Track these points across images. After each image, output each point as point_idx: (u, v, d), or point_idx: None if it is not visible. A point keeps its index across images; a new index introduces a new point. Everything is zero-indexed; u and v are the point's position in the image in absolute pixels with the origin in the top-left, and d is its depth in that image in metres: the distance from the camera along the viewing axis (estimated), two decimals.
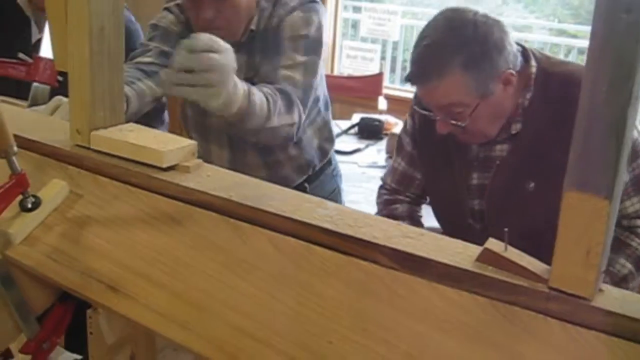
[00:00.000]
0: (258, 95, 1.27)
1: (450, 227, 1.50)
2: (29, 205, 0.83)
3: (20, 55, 1.62)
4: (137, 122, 0.99)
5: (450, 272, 0.65)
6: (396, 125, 2.87)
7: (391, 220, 0.77)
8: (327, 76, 1.82)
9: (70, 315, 0.91)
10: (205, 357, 0.67)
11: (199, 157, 0.91)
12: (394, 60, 4.76)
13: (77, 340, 1.05)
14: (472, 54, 1.25)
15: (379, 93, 3.87)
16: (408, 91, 3.87)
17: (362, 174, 2.46)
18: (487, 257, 0.66)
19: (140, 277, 0.75)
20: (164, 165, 0.86)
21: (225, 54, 1.11)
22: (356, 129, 2.94)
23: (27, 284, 0.84)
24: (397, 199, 1.59)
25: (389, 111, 3.56)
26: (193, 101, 1.14)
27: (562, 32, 5.03)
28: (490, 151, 1.38)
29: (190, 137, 1.64)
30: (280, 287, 0.70)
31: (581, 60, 4.14)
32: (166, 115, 2.12)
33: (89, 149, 0.92)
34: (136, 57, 1.50)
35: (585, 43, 4.24)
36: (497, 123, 1.34)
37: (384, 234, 0.71)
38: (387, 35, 4.30)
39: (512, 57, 1.29)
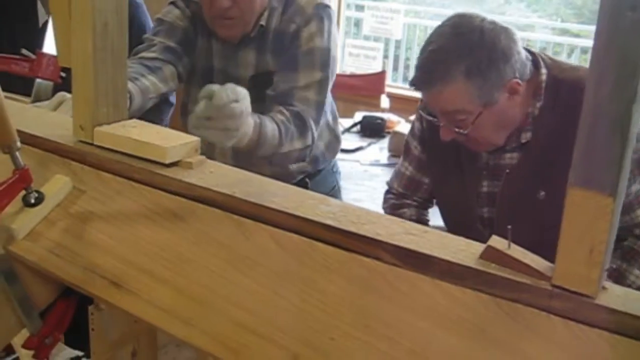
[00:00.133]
0: (270, 126, 1.32)
1: (458, 231, 1.48)
2: (32, 201, 0.83)
3: (24, 51, 1.62)
4: (140, 118, 1.00)
5: (453, 269, 0.65)
6: (399, 123, 2.86)
7: (394, 217, 0.77)
8: None
9: (72, 310, 0.91)
10: (208, 352, 0.67)
11: (202, 154, 0.91)
12: (396, 58, 4.75)
13: (77, 337, 1.05)
14: (476, 61, 1.22)
15: (381, 91, 3.87)
16: (410, 90, 3.86)
17: (364, 172, 2.45)
18: (491, 255, 0.66)
19: (143, 273, 0.75)
20: (167, 162, 0.86)
21: (243, 101, 1.14)
22: (359, 127, 2.93)
23: (30, 279, 0.84)
24: (404, 203, 1.57)
25: (392, 109, 3.56)
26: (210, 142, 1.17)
27: (564, 32, 5.01)
28: (500, 159, 1.35)
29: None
30: (283, 284, 0.70)
31: (584, 60, 4.14)
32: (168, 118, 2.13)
33: (92, 144, 0.92)
34: (140, 51, 1.50)
35: (588, 42, 4.24)
36: (502, 132, 1.31)
37: (386, 231, 0.71)
38: (389, 34, 4.30)
39: (520, 66, 1.25)
